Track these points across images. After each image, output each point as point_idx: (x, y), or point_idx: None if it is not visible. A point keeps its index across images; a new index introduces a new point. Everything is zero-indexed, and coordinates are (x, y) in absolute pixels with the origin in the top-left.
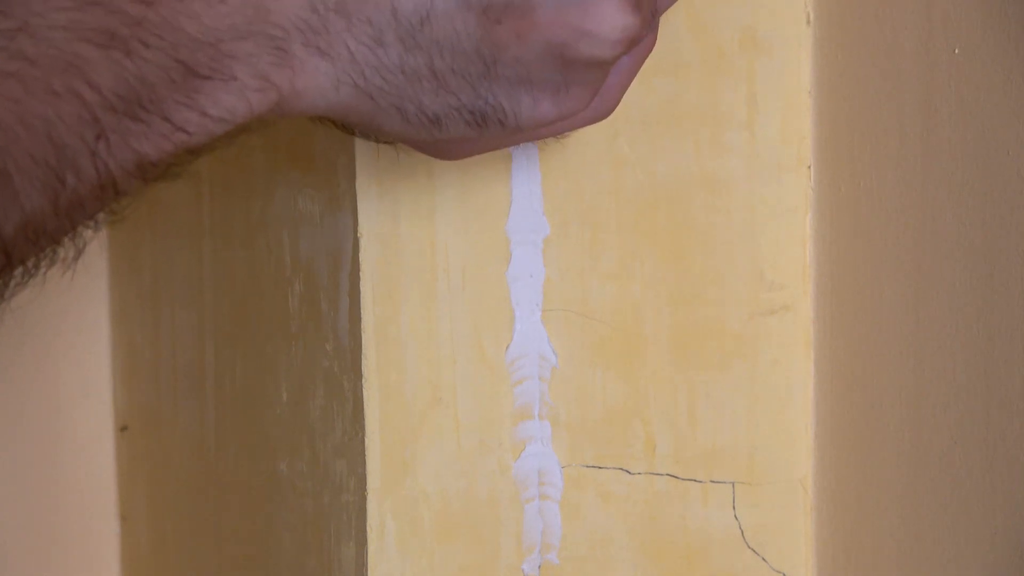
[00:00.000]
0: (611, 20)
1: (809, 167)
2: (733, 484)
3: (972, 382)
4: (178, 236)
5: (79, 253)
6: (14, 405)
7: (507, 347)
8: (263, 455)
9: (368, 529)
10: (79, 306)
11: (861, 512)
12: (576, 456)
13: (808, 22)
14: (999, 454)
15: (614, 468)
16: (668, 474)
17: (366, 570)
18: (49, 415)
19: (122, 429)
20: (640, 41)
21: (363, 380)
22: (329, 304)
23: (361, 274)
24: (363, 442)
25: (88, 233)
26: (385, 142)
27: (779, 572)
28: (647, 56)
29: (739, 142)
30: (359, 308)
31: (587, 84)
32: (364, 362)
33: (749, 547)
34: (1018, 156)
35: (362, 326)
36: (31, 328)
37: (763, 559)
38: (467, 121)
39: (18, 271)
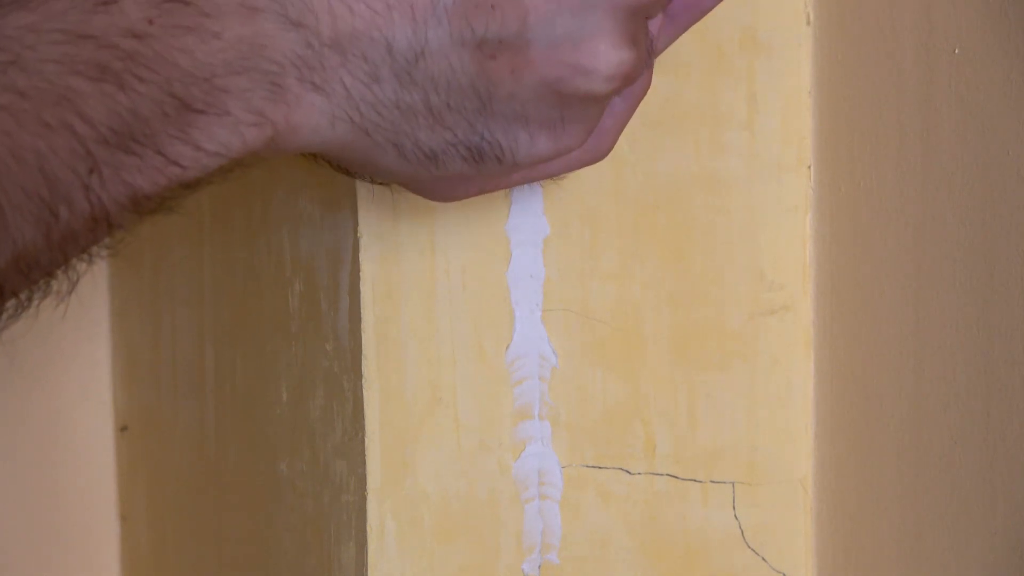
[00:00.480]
0: (605, 55)
1: (809, 167)
2: (733, 484)
3: (972, 382)
4: (178, 236)
5: (73, 286)
6: (14, 405)
7: (507, 347)
8: (263, 455)
9: (368, 529)
10: (79, 306)
11: (861, 512)
12: (576, 456)
13: (808, 22)
14: (999, 454)
15: (614, 468)
16: (668, 474)
17: (366, 570)
18: (49, 415)
19: (122, 429)
20: (636, 79)
21: (363, 380)
22: (329, 304)
23: (361, 274)
24: (363, 442)
25: (82, 266)
26: (381, 183)
27: (779, 572)
28: (642, 97)
29: (739, 142)
30: (359, 308)
31: (583, 120)
32: (364, 362)
33: (749, 547)
34: (1018, 156)
35: (362, 326)
36: (31, 328)
37: (763, 559)
38: (464, 157)
39: (11, 303)
